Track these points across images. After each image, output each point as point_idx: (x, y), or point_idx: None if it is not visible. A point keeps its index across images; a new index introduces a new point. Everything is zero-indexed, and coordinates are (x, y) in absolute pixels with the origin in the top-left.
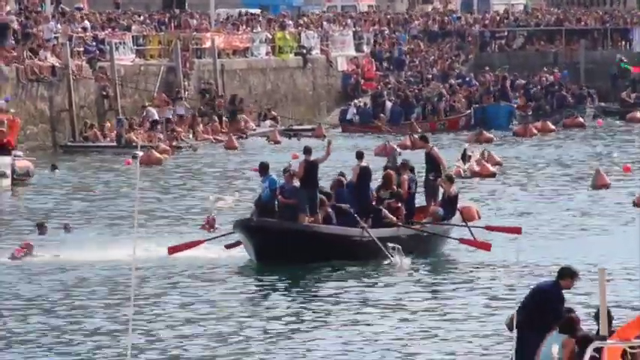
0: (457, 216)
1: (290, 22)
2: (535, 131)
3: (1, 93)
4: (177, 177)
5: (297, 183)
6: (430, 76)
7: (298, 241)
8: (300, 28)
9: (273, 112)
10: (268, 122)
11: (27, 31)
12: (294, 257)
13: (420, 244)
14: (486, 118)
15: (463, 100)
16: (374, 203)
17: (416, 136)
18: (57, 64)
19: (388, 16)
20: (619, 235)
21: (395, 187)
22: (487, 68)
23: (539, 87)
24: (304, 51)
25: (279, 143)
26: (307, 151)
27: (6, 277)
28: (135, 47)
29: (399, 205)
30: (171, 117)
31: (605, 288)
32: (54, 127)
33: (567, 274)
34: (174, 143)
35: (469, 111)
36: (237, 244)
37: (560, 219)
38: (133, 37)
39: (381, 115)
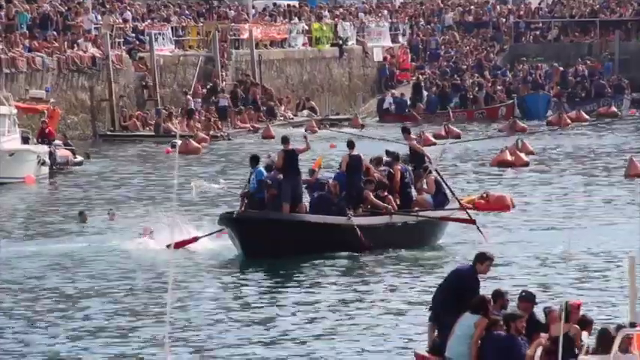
0: (452, 204)
1: (327, 13)
2: (569, 121)
3: (42, 83)
4: (212, 165)
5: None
6: (465, 67)
7: (281, 231)
8: (336, 19)
9: (311, 102)
10: (306, 112)
11: (68, 22)
12: (279, 247)
13: (414, 232)
14: (525, 107)
15: (500, 89)
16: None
17: (450, 125)
18: (97, 55)
19: (423, 7)
20: None
21: (375, 177)
22: (523, 59)
23: (574, 77)
24: (340, 42)
25: (316, 132)
26: (285, 140)
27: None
28: (174, 38)
29: (386, 194)
30: (209, 107)
31: (634, 275)
32: (94, 117)
33: (484, 259)
34: (210, 132)
35: (511, 101)
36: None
37: (593, 207)
38: (172, 27)
39: (419, 104)
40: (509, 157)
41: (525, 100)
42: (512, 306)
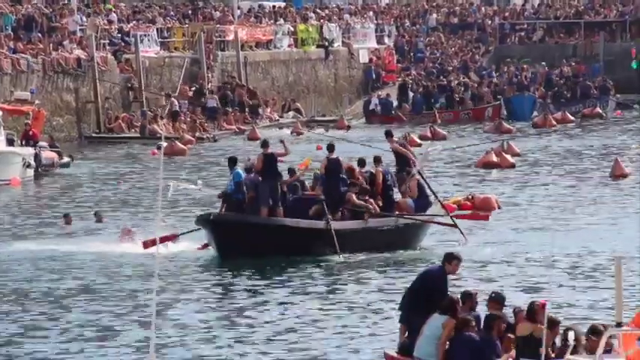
0: (434, 207)
1: (312, 14)
2: (554, 122)
3: (27, 85)
4: (195, 168)
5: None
6: (451, 68)
7: (258, 234)
8: (322, 20)
9: (296, 104)
10: (291, 114)
11: (53, 24)
12: (256, 250)
13: (393, 235)
14: (511, 108)
15: (487, 90)
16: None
17: (436, 127)
18: (83, 57)
19: (409, 8)
20: (637, 223)
21: (360, 179)
22: (508, 60)
23: (559, 78)
24: (326, 43)
25: (301, 134)
26: (264, 144)
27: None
28: (159, 39)
29: (367, 198)
30: (195, 108)
31: (621, 275)
32: (79, 119)
33: (451, 259)
34: (196, 134)
35: (498, 102)
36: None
37: (580, 208)
38: (157, 29)
39: (405, 105)
40: (494, 159)
41: (511, 102)
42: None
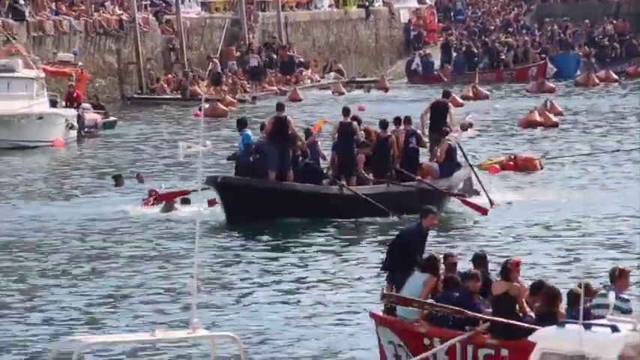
0: (458, 173)
1: None
2: (597, 81)
3: (70, 47)
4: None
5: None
6: (492, 27)
7: (266, 198)
8: None
9: (338, 65)
10: (333, 74)
11: None
12: (262, 215)
13: (414, 199)
14: (556, 67)
15: (531, 49)
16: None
17: (478, 86)
18: (124, 18)
19: None
20: None
21: (374, 141)
22: (549, 19)
23: (602, 37)
24: (367, 3)
25: (342, 94)
26: (280, 107)
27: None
28: (200, 0)
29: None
30: (236, 69)
31: None
32: (122, 80)
33: (427, 213)
34: (237, 96)
35: (542, 61)
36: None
37: (617, 170)
38: None
39: (447, 65)
40: (538, 118)
41: (555, 60)
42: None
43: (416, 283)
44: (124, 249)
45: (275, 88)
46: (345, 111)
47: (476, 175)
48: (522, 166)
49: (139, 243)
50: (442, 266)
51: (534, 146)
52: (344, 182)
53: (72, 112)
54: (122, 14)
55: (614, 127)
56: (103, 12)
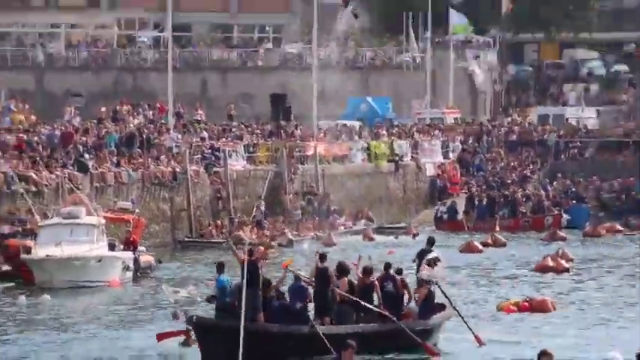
0: (440, 314)
1: (384, 132)
2: (604, 232)
3: (128, 195)
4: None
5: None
6: (510, 181)
7: (235, 340)
8: (392, 138)
9: (369, 213)
10: (363, 221)
11: (151, 141)
12: (235, 354)
13: (389, 339)
14: (569, 218)
15: (546, 201)
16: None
17: (497, 235)
18: (177, 170)
19: (471, 128)
20: None
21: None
22: (559, 175)
23: (610, 192)
24: (397, 158)
25: (372, 240)
26: (250, 253)
27: None
28: (246, 154)
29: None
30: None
31: None
32: (174, 226)
33: (348, 347)
34: (277, 241)
35: (557, 212)
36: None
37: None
38: (244, 145)
39: (471, 212)
40: (551, 264)
41: (569, 212)
42: None
43: None
44: None
45: (312, 233)
46: (322, 257)
47: (460, 315)
48: (537, 307)
49: None
50: None
51: (548, 290)
52: (316, 322)
53: (129, 255)
54: (176, 167)
55: (618, 272)
56: (159, 165)
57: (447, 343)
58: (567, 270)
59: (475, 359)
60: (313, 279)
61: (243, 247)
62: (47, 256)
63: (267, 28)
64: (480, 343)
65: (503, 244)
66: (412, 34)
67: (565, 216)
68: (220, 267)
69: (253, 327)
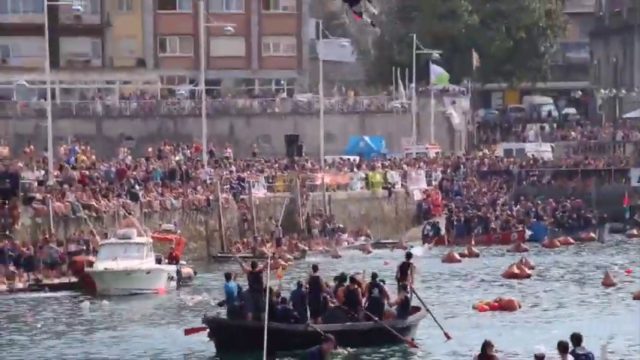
0: (413, 316)
1: (379, 164)
2: (559, 244)
3: (171, 219)
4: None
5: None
6: (481, 204)
7: (243, 334)
8: (386, 169)
9: (367, 231)
10: (363, 238)
11: (189, 174)
12: (242, 346)
13: (375, 335)
14: (531, 233)
15: (512, 220)
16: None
17: (472, 248)
18: (211, 198)
19: (450, 160)
20: (622, 322)
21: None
22: (522, 198)
23: (564, 211)
24: (389, 186)
25: (370, 253)
26: (253, 265)
27: None
28: (266, 184)
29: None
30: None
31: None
32: (208, 243)
33: (327, 339)
34: (294, 254)
35: (521, 229)
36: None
37: (578, 309)
38: (265, 177)
39: (451, 230)
40: (516, 271)
41: (530, 228)
42: None
43: None
44: None
45: (321, 247)
46: (314, 267)
47: (431, 315)
48: (506, 306)
49: None
50: None
51: (514, 292)
52: (311, 322)
53: (172, 268)
54: (209, 195)
55: (573, 278)
56: (195, 194)
57: (422, 338)
58: (529, 276)
59: (444, 350)
60: (307, 285)
61: (265, 259)
62: (106, 269)
63: (282, 82)
64: (448, 337)
65: (477, 255)
66: (400, 85)
67: (527, 231)
68: (228, 276)
69: (256, 325)
